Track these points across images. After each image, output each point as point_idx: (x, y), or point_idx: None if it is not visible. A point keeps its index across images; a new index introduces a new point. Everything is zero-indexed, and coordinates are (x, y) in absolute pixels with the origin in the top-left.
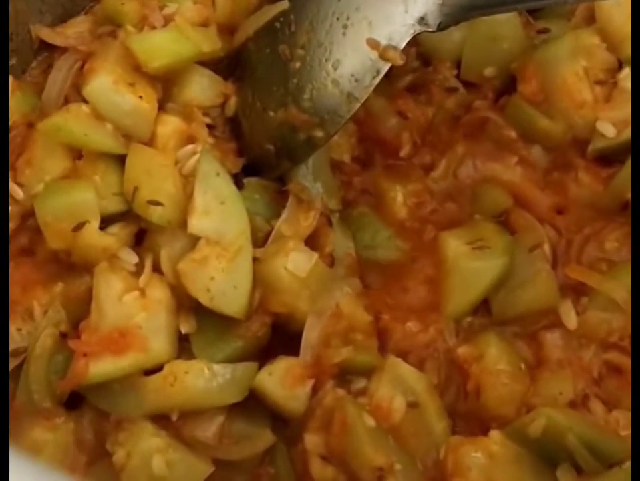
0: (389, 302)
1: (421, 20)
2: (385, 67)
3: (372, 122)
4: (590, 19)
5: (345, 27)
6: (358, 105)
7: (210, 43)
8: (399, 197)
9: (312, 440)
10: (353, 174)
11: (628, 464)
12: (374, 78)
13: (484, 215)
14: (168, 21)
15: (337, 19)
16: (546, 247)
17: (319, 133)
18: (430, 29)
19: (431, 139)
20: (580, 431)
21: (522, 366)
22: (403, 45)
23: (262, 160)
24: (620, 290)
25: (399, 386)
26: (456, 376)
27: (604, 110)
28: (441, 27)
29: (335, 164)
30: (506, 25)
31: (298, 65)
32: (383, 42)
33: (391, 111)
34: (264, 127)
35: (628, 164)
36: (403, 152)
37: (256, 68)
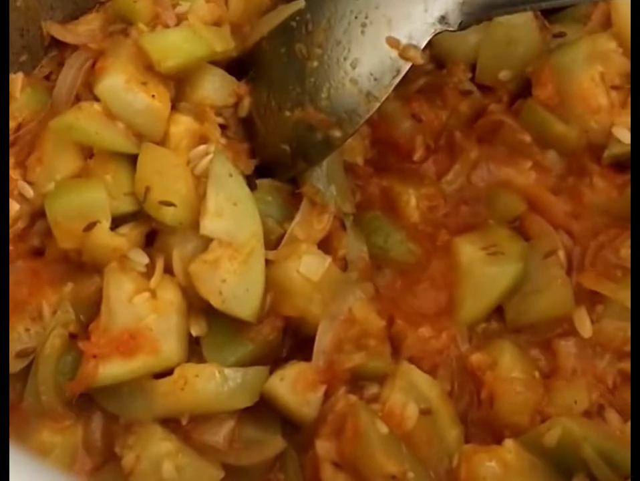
0: (401, 307)
1: (442, 19)
2: (406, 67)
3: (385, 125)
4: (607, 24)
5: (364, 25)
6: (377, 104)
7: (222, 43)
8: (412, 200)
9: (323, 446)
10: (366, 177)
11: None
12: (394, 77)
13: (498, 220)
14: (180, 19)
15: (356, 17)
16: (561, 254)
17: (337, 133)
18: (451, 28)
19: (445, 143)
20: (596, 441)
21: (536, 374)
22: (424, 44)
23: (277, 161)
24: None
25: (412, 392)
26: (469, 383)
27: (620, 115)
28: (462, 26)
29: (348, 166)
30: (521, 29)
31: (315, 63)
32: (404, 41)
33: (404, 114)
34: (280, 127)
35: None
36: (417, 156)
37: (272, 67)
